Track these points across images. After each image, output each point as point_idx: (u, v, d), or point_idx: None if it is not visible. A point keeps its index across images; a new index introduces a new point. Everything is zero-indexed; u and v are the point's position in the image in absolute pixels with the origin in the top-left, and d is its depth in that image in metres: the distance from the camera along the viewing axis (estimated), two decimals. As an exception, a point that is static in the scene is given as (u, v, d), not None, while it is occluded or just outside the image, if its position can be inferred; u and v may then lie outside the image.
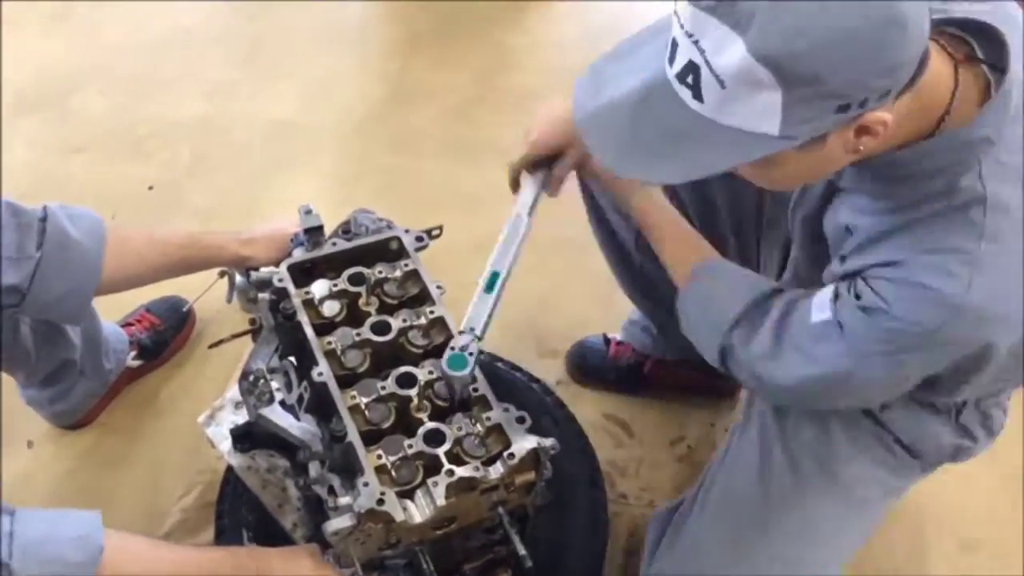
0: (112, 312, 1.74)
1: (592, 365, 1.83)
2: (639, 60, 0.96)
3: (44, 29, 2.68)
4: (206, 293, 1.72)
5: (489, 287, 1.25)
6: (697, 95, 0.87)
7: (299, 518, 1.48)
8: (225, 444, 1.55)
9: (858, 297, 1.00)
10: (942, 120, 0.94)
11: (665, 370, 1.76)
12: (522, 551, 1.15)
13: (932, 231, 0.95)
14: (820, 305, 1.05)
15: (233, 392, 1.67)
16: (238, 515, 1.45)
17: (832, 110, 0.84)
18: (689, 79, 0.87)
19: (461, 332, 1.18)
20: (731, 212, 1.42)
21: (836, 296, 1.03)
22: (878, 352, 0.99)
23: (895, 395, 1.11)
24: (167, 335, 1.82)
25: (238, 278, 1.78)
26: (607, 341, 1.82)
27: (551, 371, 1.83)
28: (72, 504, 1.62)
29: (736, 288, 1.17)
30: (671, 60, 0.89)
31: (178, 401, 1.78)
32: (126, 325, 1.78)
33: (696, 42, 0.85)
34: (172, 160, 2.30)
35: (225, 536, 1.43)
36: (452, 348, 1.16)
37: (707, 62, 0.84)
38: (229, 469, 1.51)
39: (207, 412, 1.64)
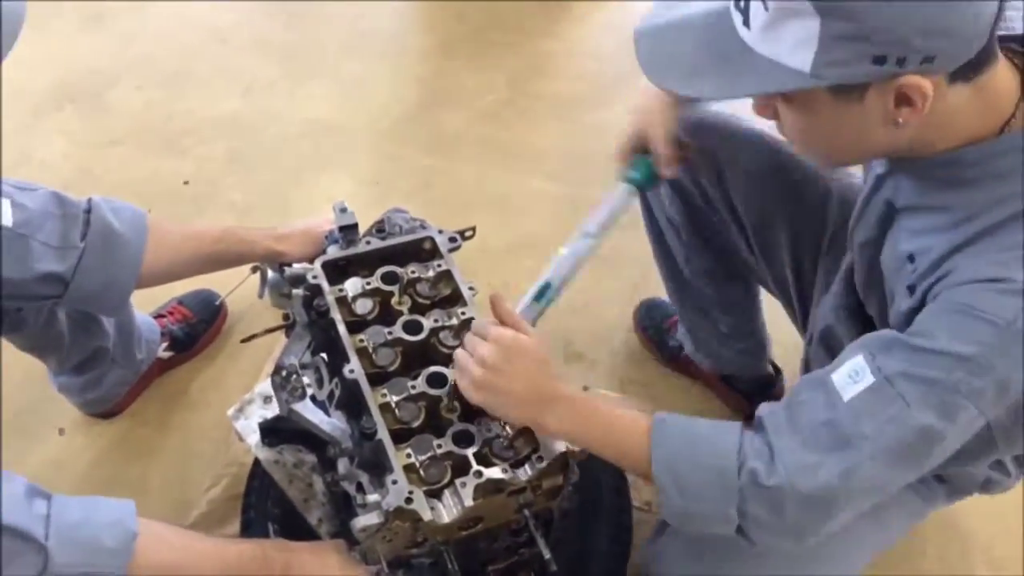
0: (145, 304, 1.75)
1: (652, 320, 1.87)
2: None
3: (84, 25, 2.72)
4: (238, 288, 1.73)
5: (539, 296, 1.25)
6: (746, 20, 0.89)
7: (325, 513, 1.48)
8: (253, 438, 1.56)
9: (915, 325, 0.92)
10: (1005, 127, 0.91)
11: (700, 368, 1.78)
12: (547, 554, 1.15)
13: (1013, 234, 0.90)
14: (849, 374, 0.94)
15: (263, 386, 1.68)
16: (264, 509, 1.46)
17: (868, 58, 0.83)
18: (742, 3, 0.89)
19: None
20: (790, 227, 1.36)
21: (872, 356, 0.93)
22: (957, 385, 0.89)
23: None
24: (199, 328, 1.84)
25: (270, 274, 1.79)
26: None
27: (577, 375, 1.82)
28: (101, 493, 1.63)
29: (710, 425, 1.05)
30: None
31: (208, 393, 1.80)
32: (158, 317, 1.80)
33: None
34: (208, 156, 2.33)
35: (251, 529, 1.44)
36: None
37: None
38: (256, 463, 1.52)
39: (236, 405, 1.65)
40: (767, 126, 1.10)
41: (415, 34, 2.86)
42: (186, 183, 2.24)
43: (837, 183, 1.31)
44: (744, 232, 1.43)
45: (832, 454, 0.93)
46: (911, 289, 0.98)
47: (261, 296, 1.86)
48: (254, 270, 1.76)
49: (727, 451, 0.99)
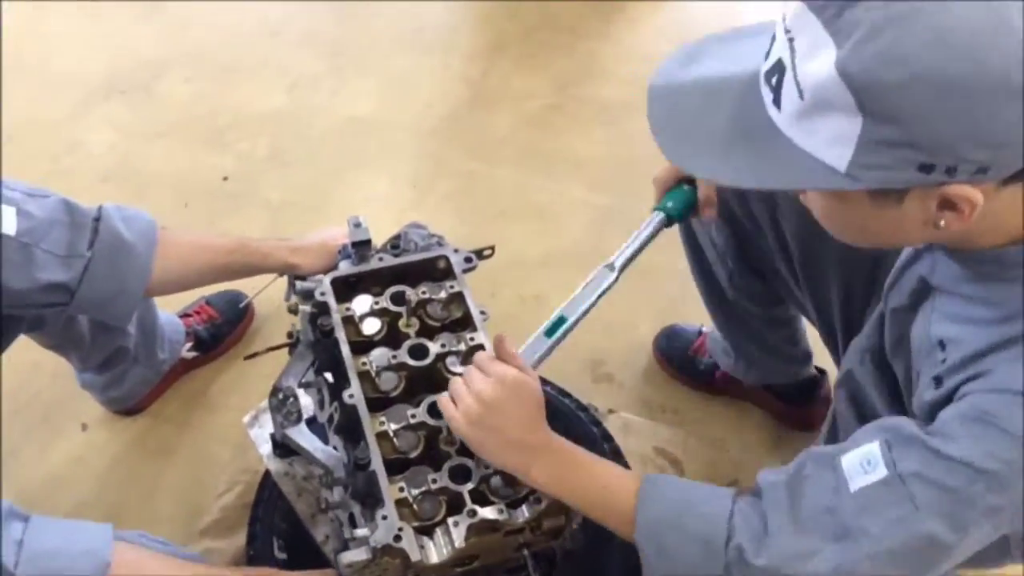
0: (172, 302, 1.75)
1: (675, 348, 1.81)
2: (742, 48, 0.87)
3: (135, 16, 2.74)
4: (266, 290, 1.72)
5: (551, 331, 1.18)
6: (776, 100, 0.79)
7: (332, 530, 1.46)
8: (265, 447, 1.55)
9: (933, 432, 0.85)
10: None
11: (737, 383, 1.72)
12: (544, 600, 1.10)
13: None
14: (861, 461, 0.87)
15: (279, 395, 1.66)
16: (271, 522, 1.44)
17: (913, 166, 0.74)
18: (774, 80, 0.79)
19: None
20: (840, 273, 1.28)
21: (888, 447, 0.86)
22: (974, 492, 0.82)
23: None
24: (224, 329, 1.83)
25: (297, 281, 1.78)
26: (700, 332, 1.80)
27: (604, 397, 1.76)
28: (117, 491, 1.65)
29: (702, 489, 0.99)
30: (767, 55, 0.81)
31: (228, 396, 1.79)
32: (184, 316, 1.79)
33: (791, 40, 0.77)
34: (249, 151, 2.32)
35: (256, 543, 1.42)
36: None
37: (794, 65, 0.76)
38: (267, 473, 1.50)
39: (252, 412, 1.63)
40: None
41: (466, 32, 2.81)
42: (225, 179, 2.24)
43: None
44: (791, 263, 1.35)
45: (829, 545, 0.87)
46: (938, 381, 0.89)
47: (288, 300, 1.84)
48: (281, 274, 1.74)
49: (716, 520, 0.92)
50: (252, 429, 1.61)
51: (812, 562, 0.87)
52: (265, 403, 1.65)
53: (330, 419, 1.18)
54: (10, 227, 1.14)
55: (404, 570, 1.06)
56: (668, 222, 1.28)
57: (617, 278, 1.22)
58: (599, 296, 1.20)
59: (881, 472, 0.85)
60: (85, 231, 1.22)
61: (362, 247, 1.29)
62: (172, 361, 1.74)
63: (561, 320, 1.18)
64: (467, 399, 1.04)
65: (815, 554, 0.87)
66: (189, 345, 1.77)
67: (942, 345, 0.90)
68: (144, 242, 1.28)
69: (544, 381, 1.57)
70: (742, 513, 0.92)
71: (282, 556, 1.40)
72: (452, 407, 1.05)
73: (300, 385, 1.19)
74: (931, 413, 0.88)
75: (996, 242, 0.84)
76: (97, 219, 1.25)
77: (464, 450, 1.12)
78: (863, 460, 0.87)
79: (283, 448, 1.52)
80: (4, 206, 1.14)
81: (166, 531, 1.48)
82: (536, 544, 1.12)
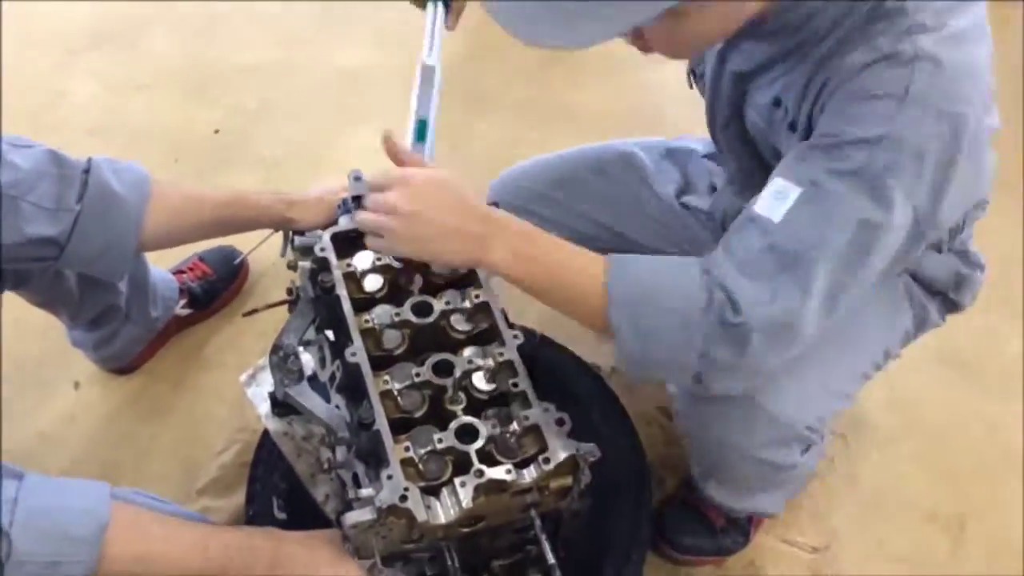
0: (165, 258, 1.71)
1: None
2: None
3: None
4: (261, 246, 1.68)
5: (420, 136, 1.24)
6: None
7: (332, 489, 1.44)
8: (264, 406, 1.52)
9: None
10: None
11: None
12: (551, 560, 1.08)
13: (877, 22, 0.93)
14: (773, 197, 0.94)
15: (276, 353, 1.63)
16: (270, 482, 1.42)
17: None
18: None
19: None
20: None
21: (788, 171, 0.95)
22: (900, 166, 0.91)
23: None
24: (219, 285, 1.79)
25: (292, 234, 1.74)
26: None
27: (608, 356, 1.74)
28: (111, 450, 1.63)
29: (670, 262, 1.01)
30: None
31: (224, 354, 1.75)
32: (178, 272, 1.75)
33: None
34: (238, 105, 2.26)
35: (255, 503, 1.39)
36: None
37: None
38: (266, 432, 1.48)
39: (249, 371, 1.60)
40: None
41: (462, -20, 2.74)
42: (216, 132, 2.19)
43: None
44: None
45: (782, 276, 0.92)
46: (792, 126, 0.99)
47: (283, 255, 1.80)
48: (277, 228, 1.70)
49: (689, 290, 0.95)
50: (249, 388, 1.58)
51: (777, 301, 0.91)
52: (262, 361, 1.62)
53: (332, 378, 1.15)
54: None
55: (409, 530, 1.04)
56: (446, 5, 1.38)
57: (440, 65, 1.32)
58: (438, 87, 1.29)
59: (795, 191, 0.93)
60: (74, 183, 1.18)
61: (362, 201, 1.25)
62: (166, 319, 1.70)
63: (423, 123, 1.23)
64: (386, 222, 0.99)
65: (776, 292, 0.91)
66: (183, 302, 1.73)
67: (777, 102, 1.02)
68: (136, 195, 1.23)
69: (547, 340, 1.55)
70: (711, 283, 0.95)
71: (282, 516, 1.38)
72: (380, 240, 1.01)
73: (300, 343, 1.15)
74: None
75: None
76: (86, 171, 1.20)
77: (472, 409, 1.09)
78: (773, 195, 0.94)
79: (282, 407, 1.49)
80: None
81: (161, 490, 1.45)
82: (543, 505, 1.10)
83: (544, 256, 1.01)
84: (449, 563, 1.11)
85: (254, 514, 1.38)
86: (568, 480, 1.08)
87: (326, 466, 1.12)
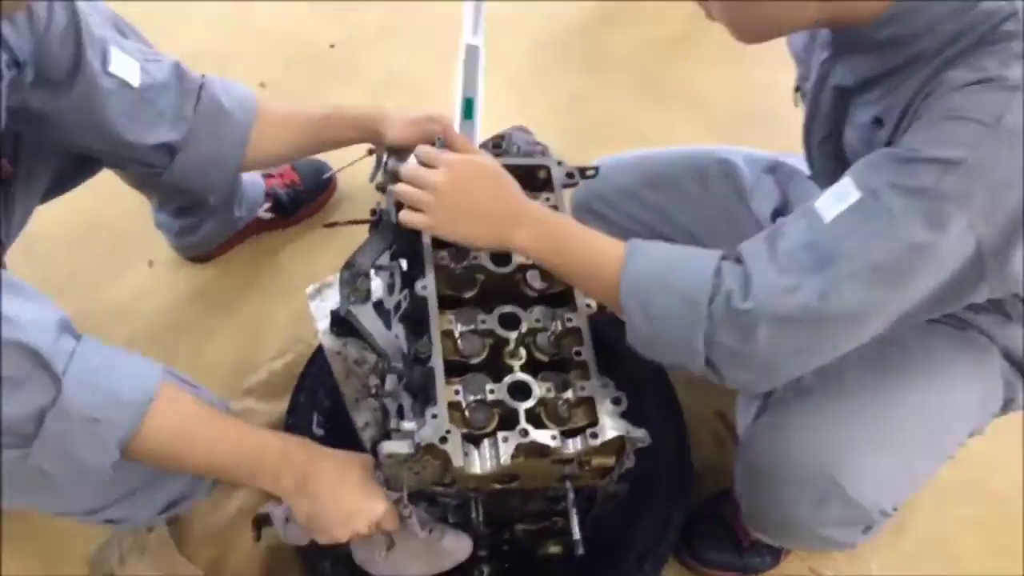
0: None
1: None
2: None
3: None
4: (352, 166, 1.68)
5: (468, 114, 1.25)
6: None
7: (373, 418, 1.43)
8: (323, 323, 1.52)
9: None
10: None
11: None
12: (577, 535, 1.05)
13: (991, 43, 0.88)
14: (834, 195, 0.91)
15: (346, 273, 1.63)
16: (315, 398, 1.42)
17: None
18: None
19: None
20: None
21: (858, 176, 0.90)
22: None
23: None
24: (304, 196, 1.79)
25: (386, 158, 1.72)
26: None
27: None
28: (171, 334, 1.65)
29: (687, 250, 1.00)
30: None
31: (297, 264, 1.76)
32: (267, 176, 1.76)
33: None
34: (360, 22, 2.25)
35: (296, 413, 1.40)
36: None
37: None
38: (320, 348, 1.48)
39: (316, 285, 1.61)
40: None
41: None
42: (332, 46, 2.18)
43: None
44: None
45: (810, 275, 0.89)
46: (889, 146, 0.93)
47: (372, 180, 1.79)
48: (370, 152, 1.69)
49: (701, 274, 0.93)
50: (313, 301, 1.59)
51: (796, 295, 0.88)
52: (331, 278, 1.62)
53: (397, 306, 1.13)
54: (134, 79, 1.16)
55: (443, 473, 1.02)
56: None
57: (483, 44, 1.30)
58: (482, 65, 1.28)
59: (854, 196, 0.89)
60: (192, 96, 1.24)
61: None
62: (248, 219, 1.72)
63: (469, 102, 1.24)
64: (423, 196, 1.05)
65: (798, 287, 0.88)
66: (267, 206, 1.74)
67: (878, 122, 0.96)
68: (243, 112, 1.29)
69: (615, 320, 1.50)
70: (726, 268, 0.93)
71: (319, 432, 1.38)
72: (414, 214, 1.06)
73: (373, 265, 1.14)
74: None
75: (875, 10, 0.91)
76: (202, 86, 1.26)
77: (529, 368, 1.06)
78: (835, 194, 0.91)
79: (341, 326, 1.48)
80: (129, 58, 1.16)
81: (211, 381, 1.48)
82: (580, 480, 1.07)
83: (566, 240, 1.03)
84: (473, 515, 1.09)
85: (292, 424, 1.39)
86: (611, 460, 1.05)
87: (373, 392, 1.11)
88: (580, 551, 1.05)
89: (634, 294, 0.96)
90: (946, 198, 0.84)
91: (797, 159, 1.43)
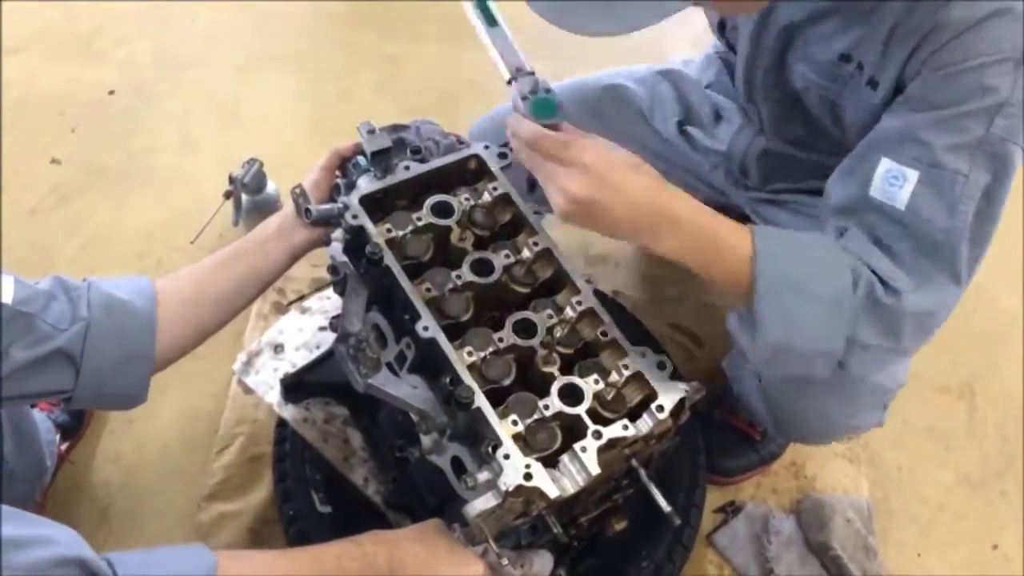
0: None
1: None
2: None
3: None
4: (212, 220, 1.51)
5: (492, 21, 1.06)
6: None
7: (370, 470, 1.34)
8: (272, 395, 1.38)
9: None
10: None
11: None
12: (666, 507, 1.02)
13: None
14: (885, 180, 0.91)
15: (270, 335, 1.48)
16: (303, 475, 1.30)
17: None
18: None
19: (513, 79, 1.00)
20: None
21: (896, 157, 0.91)
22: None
23: None
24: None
25: (244, 199, 1.56)
26: None
27: (604, 280, 1.68)
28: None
29: (817, 251, 0.96)
30: None
31: (206, 344, 1.57)
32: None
33: None
34: (130, 58, 2.00)
35: (292, 500, 1.27)
36: (527, 96, 0.97)
37: None
38: (282, 424, 1.34)
39: (243, 358, 1.46)
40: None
41: None
42: (111, 93, 1.92)
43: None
44: None
45: (925, 264, 0.90)
46: (873, 83, 0.95)
47: (236, 224, 1.65)
48: (227, 196, 1.54)
49: (839, 271, 0.91)
50: (247, 377, 1.44)
51: (928, 290, 0.90)
52: (255, 346, 1.47)
53: (400, 358, 1.03)
54: (8, 295, 0.96)
55: (527, 507, 0.96)
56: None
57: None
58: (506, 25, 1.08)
59: (912, 174, 0.90)
60: (81, 300, 1.02)
61: (382, 156, 1.11)
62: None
63: (485, 5, 1.05)
64: (576, 176, 0.89)
65: (922, 281, 0.90)
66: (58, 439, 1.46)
67: (846, 58, 0.97)
68: (141, 298, 1.06)
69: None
70: (860, 270, 0.92)
71: (326, 510, 1.27)
72: (575, 202, 0.90)
73: (363, 325, 1.02)
74: (886, 108, 0.95)
75: None
76: (88, 286, 1.04)
77: (567, 368, 1.01)
78: (885, 178, 0.91)
79: (296, 393, 1.36)
80: (3, 275, 0.96)
81: (176, 510, 1.32)
82: (642, 452, 1.04)
83: (705, 245, 0.94)
84: (555, 529, 1.04)
85: (295, 514, 1.26)
86: (670, 422, 1.03)
87: (398, 448, 1.01)
88: (678, 521, 1.02)
89: (774, 303, 0.92)
90: (1003, 140, 0.87)
91: (676, 64, 1.42)
